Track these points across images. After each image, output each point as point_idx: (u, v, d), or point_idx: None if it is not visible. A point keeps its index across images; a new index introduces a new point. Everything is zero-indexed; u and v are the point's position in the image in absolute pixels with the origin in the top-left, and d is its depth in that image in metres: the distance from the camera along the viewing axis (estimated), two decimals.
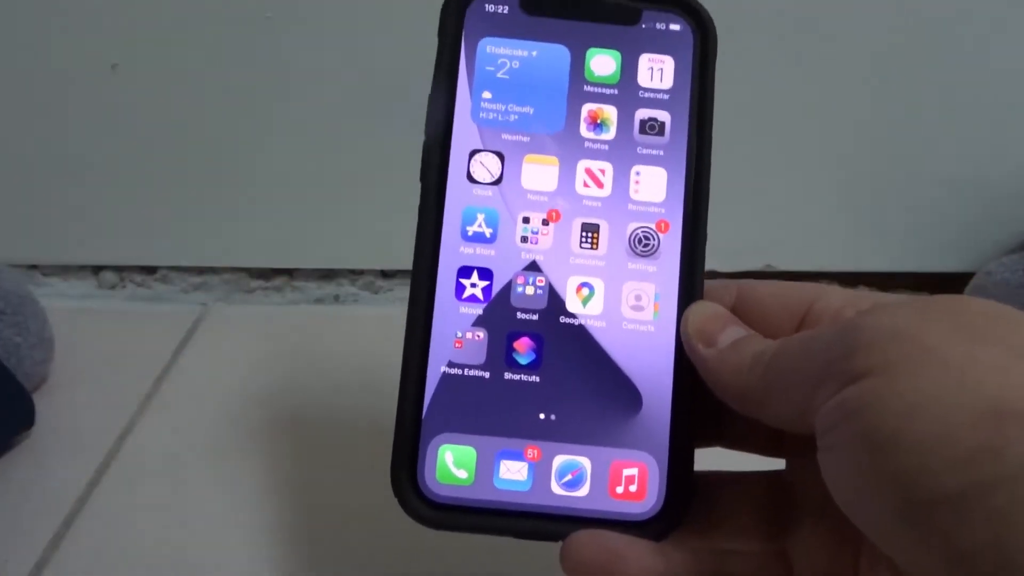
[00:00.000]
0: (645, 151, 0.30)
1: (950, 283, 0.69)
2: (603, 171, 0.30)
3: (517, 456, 0.27)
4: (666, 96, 0.30)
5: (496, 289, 0.28)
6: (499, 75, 0.30)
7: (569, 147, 0.30)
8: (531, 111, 0.30)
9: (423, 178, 0.30)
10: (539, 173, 0.29)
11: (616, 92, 0.30)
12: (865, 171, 0.64)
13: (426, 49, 0.58)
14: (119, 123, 0.60)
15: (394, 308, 0.67)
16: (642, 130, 0.30)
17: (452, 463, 0.27)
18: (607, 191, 0.29)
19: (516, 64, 0.30)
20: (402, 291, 0.67)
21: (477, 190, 0.29)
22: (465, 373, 0.28)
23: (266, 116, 0.60)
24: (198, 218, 0.63)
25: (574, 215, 0.29)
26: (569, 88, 0.30)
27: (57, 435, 0.50)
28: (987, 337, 0.21)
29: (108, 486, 0.46)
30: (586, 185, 0.29)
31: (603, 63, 0.30)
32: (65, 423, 0.51)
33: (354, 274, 0.67)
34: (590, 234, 0.29)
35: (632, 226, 0.29)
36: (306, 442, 0.50)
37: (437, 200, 0.29)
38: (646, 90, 0.30)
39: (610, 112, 0.30)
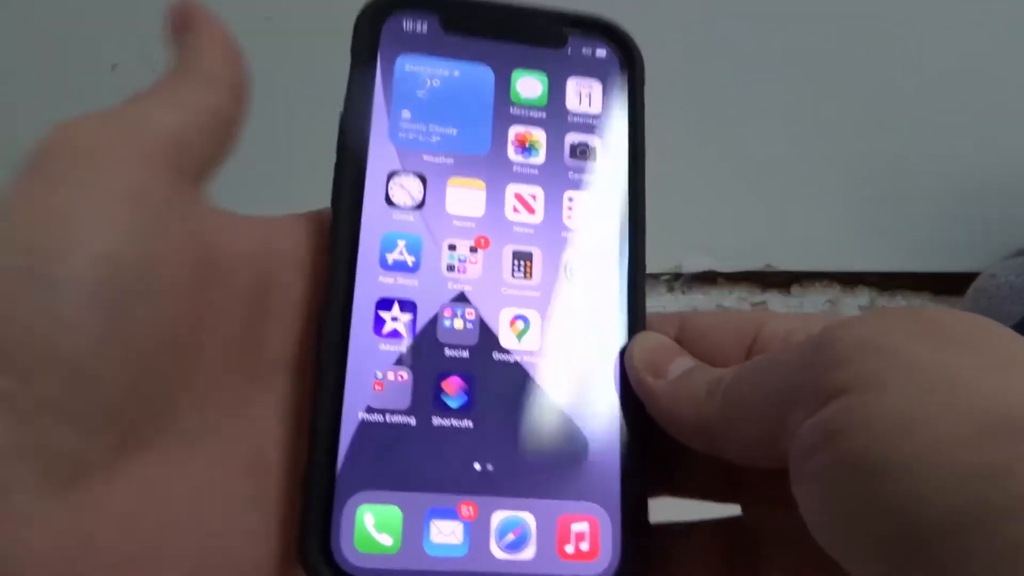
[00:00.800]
0: (577, 176, 0.28)
1: (951, 283, 0.69)
2: (534, 196, 0.27)
3: (450, 515, 0.24)
4: (596, 121, 0.29)
5: (421, 323, 0.25)
6: (419, 94, 0.28)
7: (496, 170, 0.27)
8: (454, 132, 0.28)
9: (334, 204, 0.27)
10: (465, 197, 0.27)
11: (544, 115, 0.28)
12: (865, 171, 0.64)
13: None
14: None
15: None
16: (573, 155, 0.29)
17: (373, 527, 0.23)
18: (539, 217, 0.27)
19: (437, 83, 0.28)
20: None
21: (397, 215, 0.26)
22: (387, 419, 0.24)
23: (266, 116, 0.60)
24: None
25: (504, 242, 0.27)
26: (494, 109, 0.28)
27: None
28: (965, 347, 0.19)
29: None
30: (516, 211, 0.27)
31: (530, 85, 0.29)
32: None
33: None
34: (522, 262, 0.27)
35: (567, 254, 0.27)
36: None
37: (351, 226, 0.26)
38: (575, 114, 0.29)
39: (539, 135, 0.28)
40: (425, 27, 0.29)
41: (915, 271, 0.69)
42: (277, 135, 0.61)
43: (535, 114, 0.28)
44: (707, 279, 0.69)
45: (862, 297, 0.69)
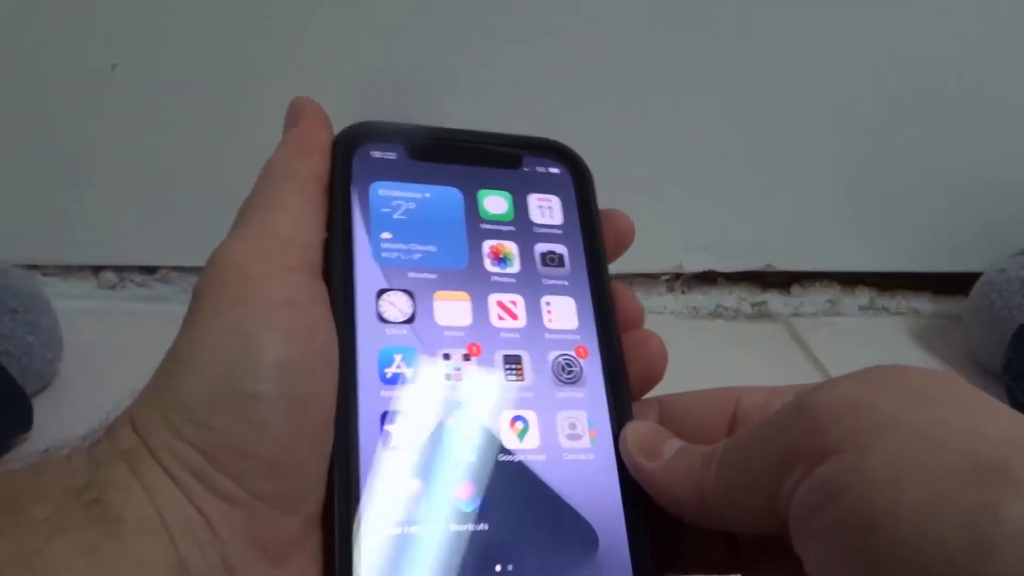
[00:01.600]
0: (550, 282, 0.30)
1: (951, 283, 0.69)
2: (515, 303, 0.29)
3: None
4: (560, 231, 0.31)
5: (426, 433, 0.26)
6: (395, 216, 0.30)
7: (477, 282, 0.29)
8: (434, 249, 0.29)
9: None
10: (452, 309, 0.28)
11: (513, 228, 0.31)
12: (866, 171, 0.64)
13: (426, 49, 0.58)
14: (119, 123, 0.60)
15: None
16: (544, 263, 0.30)
17: None
18: (522, 322, 0.29)
19: (412, 205, 0.30)
20: None
21: (390, 330, 0.27)
22: (405, 531, 0.24)
23: (266, 116, 0.60)
24: (198, 218, 0.63)
25: (495, 348, 0.28)
26: (467, 226, 0.30)
27: (55, 436, 0.49)
28: (939, 399, 0.21)
29: None
30: (501, 318, 0.29)
31: (496, 203, 0.31)
32: (64, 423, 0.50)
33: None
34: (514, 366, 0.28)
35: (553, 354, 0.29)
36: None
37: (348, 345, 0.26)
38: (540, 226, 0.31)
39: (511, 247, 0.30)
40: (394, 155, 0.32)
41: (915, 271, 0.69)
42: (276, 132, 0.61)
43: (504, 228, 0.31)
44: (707, 279, 0.69)
45: (862, 297, 0.69)
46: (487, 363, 0.28)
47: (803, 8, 0.58)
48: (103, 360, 0.57)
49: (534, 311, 0.29)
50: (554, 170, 0.32)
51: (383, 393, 0.26)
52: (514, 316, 0.29)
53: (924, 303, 0.70)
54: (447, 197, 0.31)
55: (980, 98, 0.61)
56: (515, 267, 0.30)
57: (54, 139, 0.60)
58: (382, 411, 0.26)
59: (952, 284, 0.69)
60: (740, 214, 0.65)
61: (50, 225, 0.64)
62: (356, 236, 0.29)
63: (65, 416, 0.51)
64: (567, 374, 0.29)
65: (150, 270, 0.66)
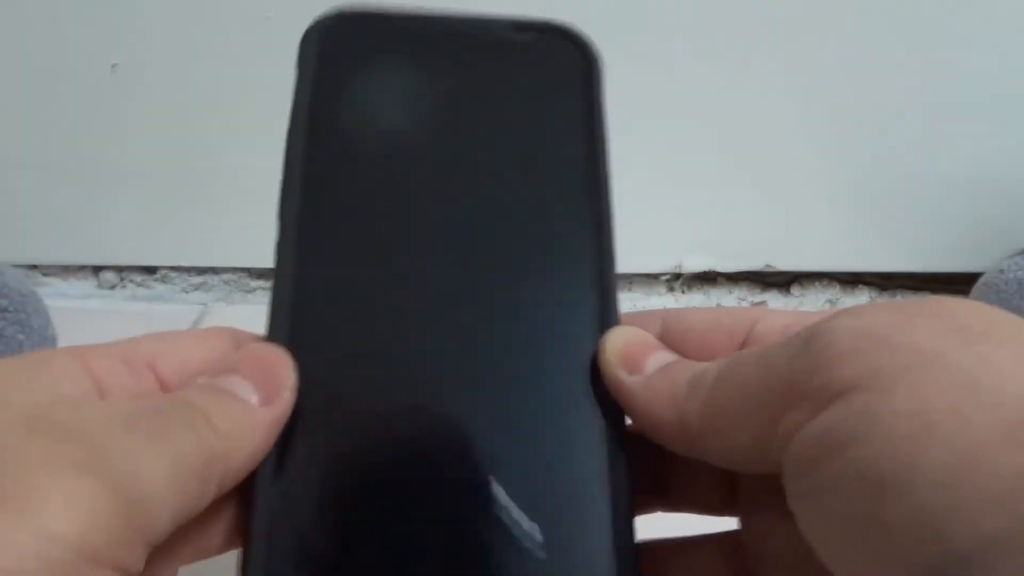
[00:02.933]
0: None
1: (951, 283, 0.69)
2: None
3: None
4: (558, 114, 0.29)
5: None
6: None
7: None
8: None
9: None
10: None
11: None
12: (866, 171, 0.64)
13: None
14: (119, 123, 0.60)
15: None
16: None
17: None
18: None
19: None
20: None
21: None
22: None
23: (266, 116, 0.60)
24: (198, 218, 0.63)
25: None
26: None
27: None
28: (991, 338, 0.16)
29: None
30: None
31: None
32: None
33: None
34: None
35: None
36: None
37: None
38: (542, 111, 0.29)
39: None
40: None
41: (915, 271, 0.69)
42: (277, 133, 0.61)
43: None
44: (707, 279, 0.69)
45: (862, 297, 0.69)
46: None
47: (803, 9, 0.58)
48: None
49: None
50: (560, 52, 0.29)
51: None
52: None
53: None
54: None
55: (980, 98, 0.61)
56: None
57: (54, 139, 0.60)
58: None
59: (952, 284, 0.69)
60: (740, 214, 0.65)
61: (50, 225, 0.64)
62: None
63: None
64: None
65: (150, 270, 0.66)
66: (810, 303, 0.69)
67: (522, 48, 0.28)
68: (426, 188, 0.25)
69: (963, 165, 0.64)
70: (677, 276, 0.68)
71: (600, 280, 0.25)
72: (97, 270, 0.66)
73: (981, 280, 0.60)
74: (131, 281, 0.66)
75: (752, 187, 0.64)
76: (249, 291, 0.66)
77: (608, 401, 0.23)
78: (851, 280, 0.69)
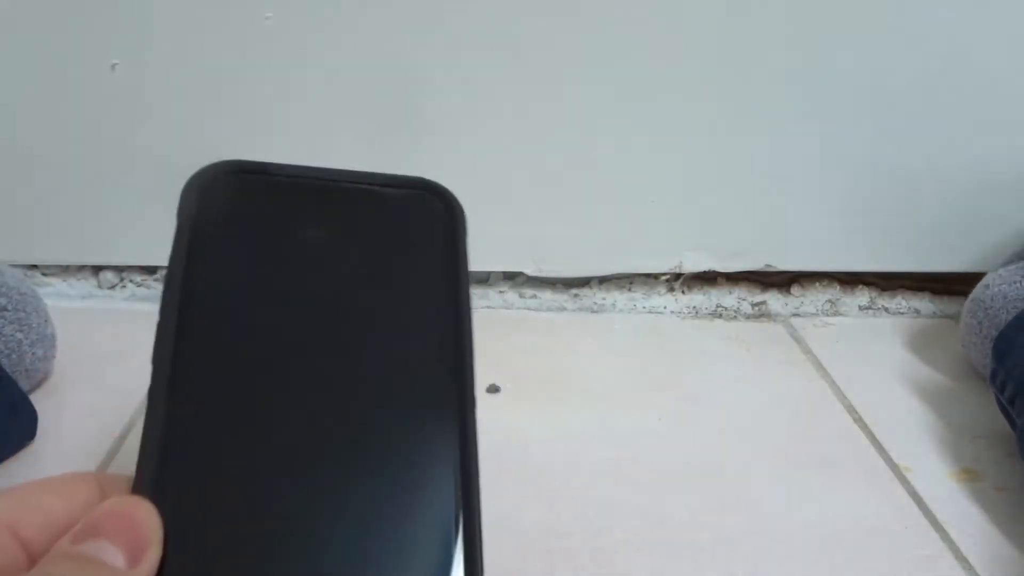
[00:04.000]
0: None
1: (950, 283, 0.69)
2: None
3: None
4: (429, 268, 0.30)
5: None
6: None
7: None
8: None
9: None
10: None
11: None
12: (866, 172, 0.64)
13: (426, 50, 0.58)
14: (119, 123, 0.60)
15: None
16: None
17: None
18: None
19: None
20: None
21: None
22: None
23: (266, 115, 0.60)
24: None
25: None
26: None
27: (57, 435, 0.50)
28: None
29: None
30: None
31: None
32: (65, 423, 0.51)
33: None
34: None
35: None
36: None
37: None
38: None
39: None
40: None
41: (915, 271, 0.69)
42: (277, 133, 0.61)
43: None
44: (707, 279, 0.69)
45: (862, 297, 0.69)
46: None
47: (804, 9, 0.58)
48: (103, 360, 0.57)
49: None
50: (428, 207, 0.30)
51: None
52: None
53: (924, 303, 0.70)
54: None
55: (981, 98, 0.61)
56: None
57: (54, 139, 0.60)
58: None
59: (952, 284, 0.69)
60: (740, 214, 0.65)
61: (50, 225, 0.64)
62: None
63: (66, 416, 0.51)
64: None
65: (150, 270, 0.66)
66: (810, 303, 0.69)
67: (392, 202, 0.30)
68: (294, 337, 0.26)
69: (963, 166, 0.64)
70: (677, 276, 0.68)
71: (461, 420, 0.25)
72: (97, 270, 0.66)
73: (970, 296, 0.60)
74: (131, 281, 0.66)
75: (752, 187, 0.64)
76: None
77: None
78: (851, 280, 0.69)
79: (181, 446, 0.24)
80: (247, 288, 0.27)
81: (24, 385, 0.50)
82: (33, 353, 0.52)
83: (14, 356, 0.50)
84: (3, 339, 0.50)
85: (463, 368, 0.26)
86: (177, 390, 0.25)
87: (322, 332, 0.26)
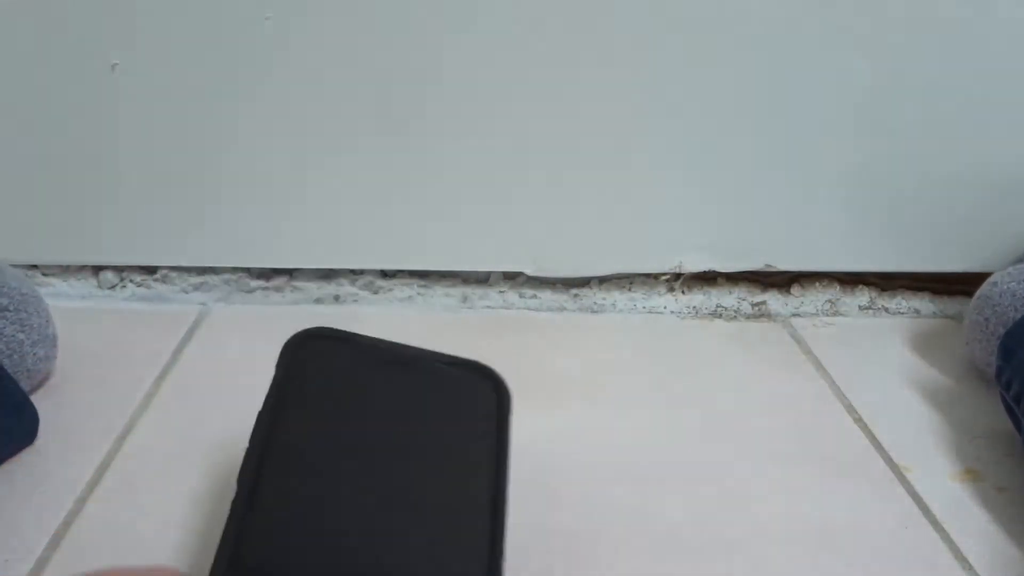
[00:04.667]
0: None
1: (950, 283, 0.69)
2: None
3: None
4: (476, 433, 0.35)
5: None
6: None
7: None
8: None
9: None
10: None
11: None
12: (866, 172, 0.64)
13: (426, 50, 0.58)
14: (119, 123, 0.60)
15: (394, 308, 0.67)
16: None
17: None
18: None
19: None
20: (402, 291, 0.67)
21: None
22: None
23: (266, 116, 0.60)
24: (198, 218, 0.63)
25: None
26: None
27: (58, 435, 0.50)
28: None
29: (108, 486, 0.46)
30: None
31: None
32: (66, 423, 0.51)
33: (354, 274, 0.67)
34: None
35: None
36: None
37: None
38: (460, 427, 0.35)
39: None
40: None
41: (915, 271, 0.69)
42: (277, 133, 0.61)
43: None
44: (707, 279, 0.69)
45: (862, 297, 0.69)
46: None
47: (803, 9, 0.58)
48: (103, 360, 0.57)
49: None
50: (478, 385, 0.36)
51: None
52: None
53: (924, 303, 0.70)
54: None
55: (981, 97, 0.61)
56: None
57: (54, 139, 0.60)
58: None
59: (952, 284, 0.69)
60: (740, 214, 0.65)
61: (50, 225, 0.64)
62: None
63: (66, 416, 0.51)
64: None
65: (150, 270, 0.66)
66: (810, 303, 0.69)
67: (451, 378, 0.36)
68: (358, 479, 0.31)
69: (964, 166, 0.64)
70: (677, 276, 0.68)
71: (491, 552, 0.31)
72: (97, 270, 0.66)
73: (977, 293, 0.60)
74: (131, 281, 0.66)
75: (752, 187, 0.64)
76: (249, 291, 0.66)
77: None
78: (851, 280, 0.69)
79: (254, 555, 0.28)
80: (324, 434, 0.32)
81: (25, 385, 0.50)
82: (35, 354, 0.52)
83: (16, 357, 0.50)
84: (4, 339, 0.50)
85: (496, 516, 0.32)
86: (255, 506, 0.29)
87: (382, 479, 0.31)
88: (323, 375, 0.34)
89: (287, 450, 0.31)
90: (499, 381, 0.37)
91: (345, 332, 0.36)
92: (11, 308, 0.51)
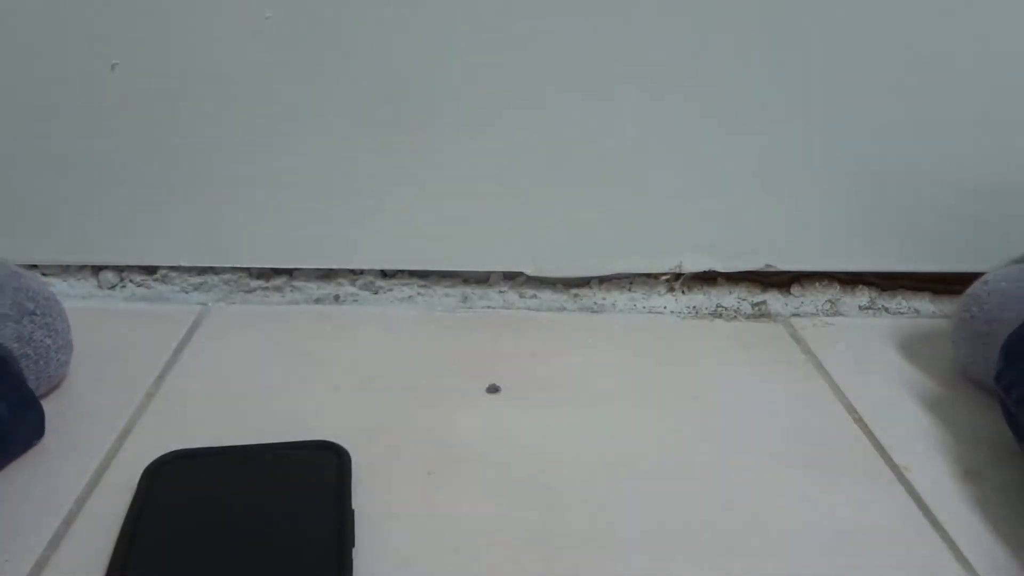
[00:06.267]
0: None
1: (951, 283, 0.69)
2: None
3: None
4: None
5: None
6: None
7: None
8: None
9: None
10: None
11: None
12: (866, 172, 0.64)
13: (427, 50, 0.58)
14: (119, 123, 0.60)
15: (394, 308, 0.67)
16: None
17: None
18: None
19: None
20: (402, 291, 0.67)
21: None
22: None
23: (266, 116, 0.60)
24: (198, 218, 0.63)
25: None
26: None
27: (58, 435, 0.50)
28: None
29: (108, 486, 0.46)
30: None
31: None
32: (66, 423, 0.51)
33: (354, 274, 0.67)
34: None
35: None
36: None
37: None
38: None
39: None
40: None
41: (915, 271, 0.69)
42: (277, 133, 0.61)
43: None
44: (707, 279, 0.69)
45: (862, 297, 0.69)
46: None
47: (804, 9, 0.58)
48: (103, 360, 0.57)
49: None
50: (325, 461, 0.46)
51: None
52: None
53: (924, 303, 0.70)
54: None
55: (981, 98, 0.61)
56: None
57: (54, 139, 0.60)
58: None
59: (952, 284, 0.69)
60: (740, 214, 0.65)
61: (50, 225, 0.64)
62: None
63: (67, 415, 0.51)
64: None
65: (150, 270, 0.66)
66: (810, 303, 0.69)
67: (295, 461, 0.46)
68: (220, 554, 0.39)
69: (964, 166, 0.64)
70: (677, 276, 0.68)
71: None
72: (97, 270, 0.66)
73: (966, 291, 0.60)
74: (131, 281, 0.66)
75: (752, 187, 0.64)
76: (249, 291, 0.66)
77: None
78: (851, 280, 0.69)
79: None
80: (186, 523, 0.41)
81: (43, 389, 0.50)
82: (58, 359, 0.51)
83: (42, 362, 0.50)
84: (33, 344, 0.49)
85: (343, 557, 0.39)
86: None
87: (238, 547, 0.39)
88: (176, 493, 0.43)
89: (146, 555, 0.39)
90: (338, 449, 0.46)
91: (195, 449, 0.46)
92: (38, 312, 0.50)
